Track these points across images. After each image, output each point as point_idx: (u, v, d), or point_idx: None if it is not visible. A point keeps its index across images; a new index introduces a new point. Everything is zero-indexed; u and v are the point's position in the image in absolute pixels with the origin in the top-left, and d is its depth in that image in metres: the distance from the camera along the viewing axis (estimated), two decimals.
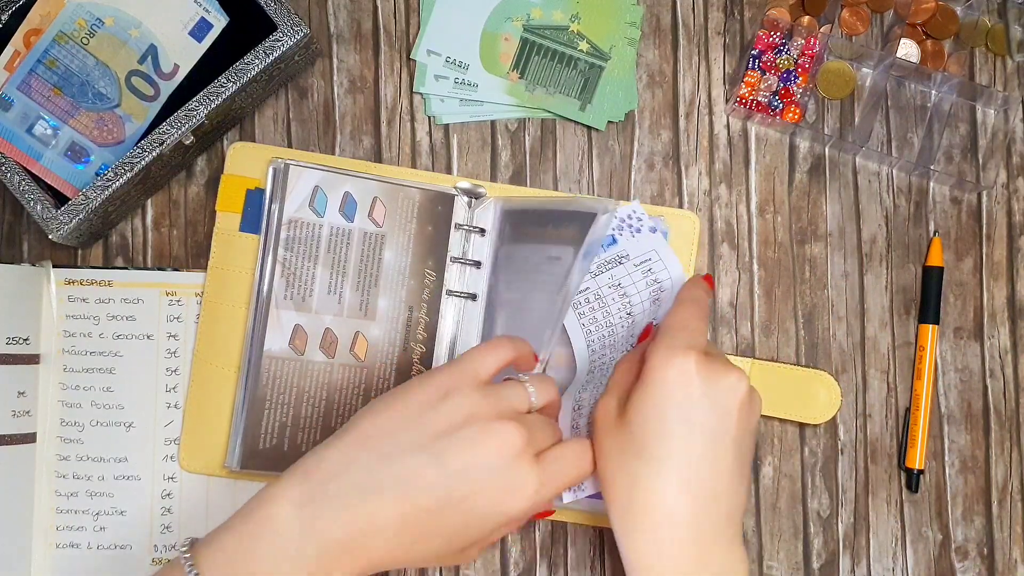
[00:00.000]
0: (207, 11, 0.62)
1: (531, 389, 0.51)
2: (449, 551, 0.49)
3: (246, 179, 0.63)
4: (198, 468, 0.62)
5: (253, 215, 0.63)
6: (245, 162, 0.63)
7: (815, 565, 0.65)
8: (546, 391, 0.52)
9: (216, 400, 0.62)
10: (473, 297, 0.63)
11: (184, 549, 0.47)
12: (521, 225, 0.63)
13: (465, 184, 0.64)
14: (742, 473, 0.51)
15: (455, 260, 0.63)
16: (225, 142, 0.65)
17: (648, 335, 0.58)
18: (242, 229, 0.63)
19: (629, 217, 0.63)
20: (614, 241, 0.63)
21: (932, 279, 0.65)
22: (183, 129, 0.59)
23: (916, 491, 0.64)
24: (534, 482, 0.48)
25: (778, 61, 0.65)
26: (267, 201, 0.62)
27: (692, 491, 0.49)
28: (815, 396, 0.64)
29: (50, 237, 0.59)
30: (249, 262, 0.63)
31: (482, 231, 0.64)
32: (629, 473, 0.50)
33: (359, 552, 0.47)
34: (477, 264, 0.63)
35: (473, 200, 0.64)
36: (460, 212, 0.64)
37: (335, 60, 0.66)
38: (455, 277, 0.63)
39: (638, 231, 0.62)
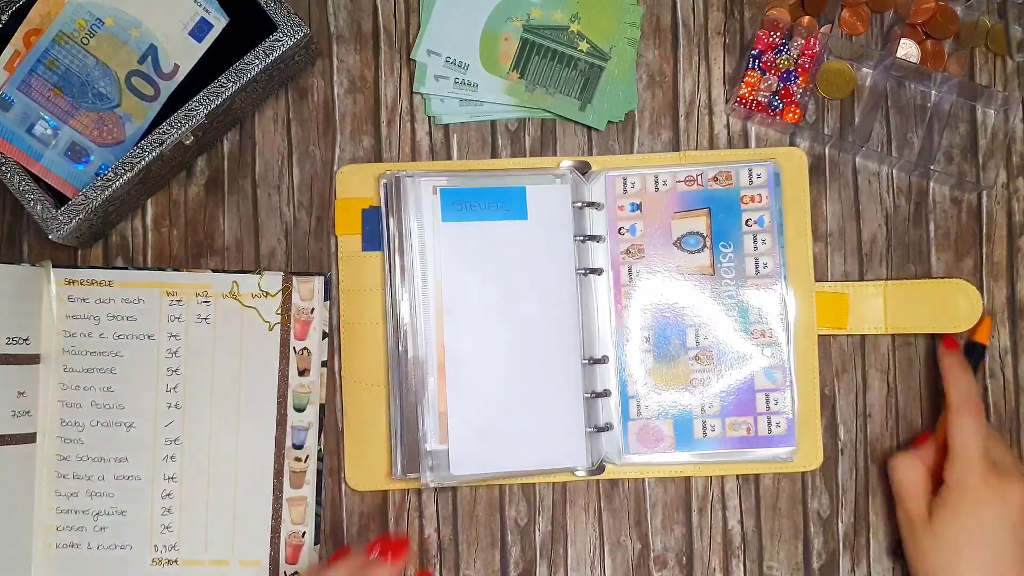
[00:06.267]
0: (207, 11, 0.62)
1: None
2: None
3: (359, 200, 0.64)
4: (366, 485, 0.64)
5: (373, 233, 0.64)
6: (355, 183, 0.65)
7: (815, 565, 0.65)
8: None
9: (371, 416, 0.64)
10: (599, 272, 0.64)
11: None
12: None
13: (569, 162, 0.64)
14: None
15: (582, 239, 0.63)
16: (226, 142, 0.66)
17: (923, 441, 0.63)
18: (364, 248, 0.64)
19: None
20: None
21: (974, 357, 0.64)
22: (183, 129, 0.59)
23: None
24: None
25: (778, 61, 0.65)
26: (384, 216, 0.63)
27: None
28: (955, 305, 0.64)
29: (50, 237, 0.59)
30: (377, 279, 0.64)
31: (599, 205, 0.64)
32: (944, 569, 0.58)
33: None
34: (599, 239, 0.64)
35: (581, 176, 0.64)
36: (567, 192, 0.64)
37: (335, 60, 0.66)
38: (581, 256, 0.63)
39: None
